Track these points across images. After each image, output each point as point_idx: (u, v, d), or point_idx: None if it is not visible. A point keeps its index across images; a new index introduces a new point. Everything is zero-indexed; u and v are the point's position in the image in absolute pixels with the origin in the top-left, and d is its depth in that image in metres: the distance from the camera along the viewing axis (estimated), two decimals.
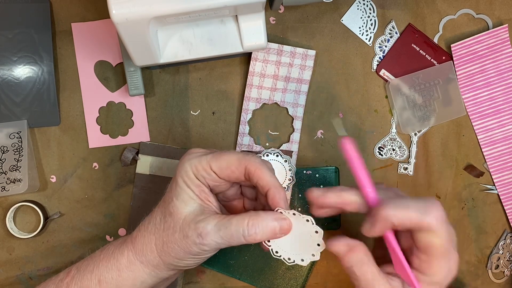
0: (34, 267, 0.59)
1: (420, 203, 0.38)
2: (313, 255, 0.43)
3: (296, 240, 0.42)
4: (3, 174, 0.57)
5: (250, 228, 0.40)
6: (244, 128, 0.59)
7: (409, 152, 0.60)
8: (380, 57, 0.60)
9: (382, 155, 0.60)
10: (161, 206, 0.43)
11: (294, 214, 0.42)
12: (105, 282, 0.43)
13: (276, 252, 0.43)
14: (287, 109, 0.59)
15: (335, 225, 0.58)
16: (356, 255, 0.40)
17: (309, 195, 0.43)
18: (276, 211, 0.42)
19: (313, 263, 0.58)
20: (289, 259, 0.43)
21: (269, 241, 0.43)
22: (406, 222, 0.38)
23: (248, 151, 0.43)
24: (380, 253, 0.44)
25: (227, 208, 0.48)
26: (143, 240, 0.43)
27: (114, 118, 0.59)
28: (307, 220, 0.41)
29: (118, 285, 0.43)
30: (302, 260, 0.43)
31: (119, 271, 0.43)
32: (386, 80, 0.60)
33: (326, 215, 0.44)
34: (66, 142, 0.59)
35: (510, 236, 0.61)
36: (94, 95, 0.59)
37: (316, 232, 0.42)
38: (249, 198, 0.47)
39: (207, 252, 0.42)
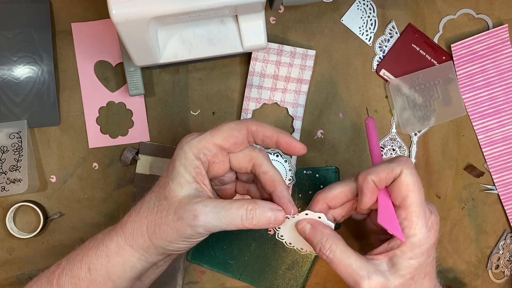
0: (34, 267, 0.59)
1: (388, 160, 0.43)
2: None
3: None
4: (3, 174, 0.57)
5: (249, 213, 0.41)
6: None
7: (409, 152, 0.60)
8: (380, 57, 0.60)
9: (382, 155, 0.60)
10: (155, 191, 0.44)
11: (306, 214, 0.44)
12: (94, 270, 0.43)
13: (290, 243, 0.47)
14: (287, 109, 0.59)
15: (336, 225, 0.58)
16: (319, 233, 0.42)
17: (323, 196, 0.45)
18: (291, 215, 0.43)
19: (313, 264, 0.58)
20: (301, 248, 0.46)
21: (282, 236, 0.46)
22: (382, 176, 0.41)
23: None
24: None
25: (219, 193, 0.48)
26: (134, 225, 0.43)
27: (114, 118, 0.59)
28: (319, 217, 0.44)
29: (107, 271, 0.43)
30: (302, 248, 0.46)
31: (108, 257, 0.43)
32: (386, 80, 0.60)
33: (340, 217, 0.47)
34: (66, 142, 0.59)
35: (510, 236, 0.61)
36: (94, 95, 0.59)
37: None
38: (244, 181, 0.48)
39: (200, 235, 0.42)
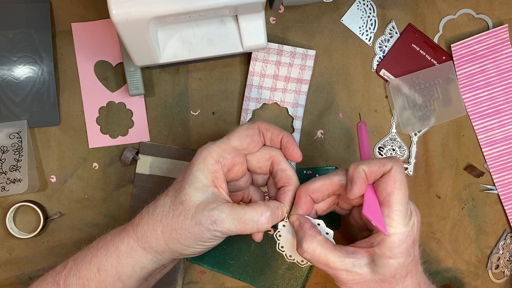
0: (34, 267, 0.59)
1: (383, 157, 0.44)
2: None
3: None
4: (3, 174, 0.57)
5: (263, 218, 0.43)
6: None
7: (409, 152, 0.60)
8: (380, 57, 0.60)
9: (382, 155, 0.60)
10: (169, 195, 0.44)
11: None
12: (104, 270, 0.44)
13: (290, 256, 0.47)
14: (287, 109, 0.59)
15: (337, 224, 0.59)
16: (302, 231, 0.43)
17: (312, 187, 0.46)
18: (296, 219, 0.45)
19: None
20: (302, 261, 0.47)
21: (282, 247, 0.47)
22: (374, 168, 0.42)
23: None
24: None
25: (232, 198, 0.49)
26: (147, 227, 0.43)
27: (114, 118, 0.59)
28: (318, 224, 0.45)
29: (117, 271, 0.44)
30: (302, 261, 0.47)
31: (118, 258, 0.44)
32: (386, 80, 0.60)
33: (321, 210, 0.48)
34: (66, 142, 0.59)
35: (510, 236, 0.61)
36: (94, 95, 0.59)
37: (327, 233, 0.45)
38: (259, 184, 0.50)
39: (217, 239, 0.43)
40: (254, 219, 0.43)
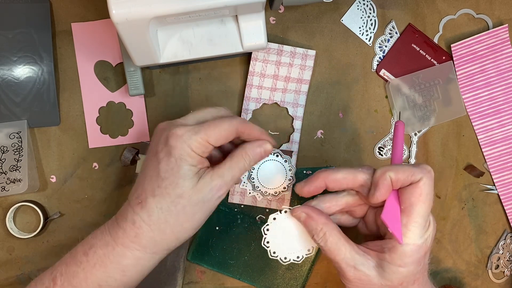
0: (34, 267, 0.59)
1: (413, 163, 0.43)
2: (309, 250, 0.47)
3: (293, 239, 0.46)
4: (3, 174, 0.57)
5: (245, 159, 0.45)
6: None
7: (409, 152, 0.60)
8: (380, 57, 0.60)
9: (382, 155, 0.60)
10: (159, 194, 0.42)
11: (286, 211, 0.46)
12: (107, 286, 0.43)
13: (274, 252, 0.47)
14: (287, 109, 0.59)
15: None
16: (314, 222, 0.44)
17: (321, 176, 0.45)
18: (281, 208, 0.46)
19: (313, 264, 0.58)
20: (285, 258, 0.47)
21: (268, 242, 0.47)
22: (401, 176, 0.41)
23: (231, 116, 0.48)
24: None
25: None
26: (153, 234, 0.42)
27: (114, 118, 0.59)
28: None
29: (123, 282, 0.43)
30: (298, 257, 0.47)
31: (123, 272, 0.43)
32: (386, 80, 0.60)
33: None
34: (66, 142, 0.59)
35: (510, 236, 0.61)
36: (94, 95, 0.59)
37: None
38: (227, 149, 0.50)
39: (222, 197, 0.44)
40: (242, 164, 0.44)
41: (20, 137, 0.57)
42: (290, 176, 0.56)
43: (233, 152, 0.45)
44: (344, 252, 0.42)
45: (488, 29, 0.60)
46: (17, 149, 0.57)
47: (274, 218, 0.46)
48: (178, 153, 0.42)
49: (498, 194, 0.60)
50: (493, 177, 0.60)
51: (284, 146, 0.59)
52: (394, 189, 0.42)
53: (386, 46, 0.60)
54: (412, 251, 0.41)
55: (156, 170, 0.43)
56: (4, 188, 0.57)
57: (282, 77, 0.58)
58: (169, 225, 0.42)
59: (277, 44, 0.57)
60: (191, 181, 0.42)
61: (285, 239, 0.46)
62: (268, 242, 0.47)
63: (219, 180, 0.43)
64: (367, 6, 0.59)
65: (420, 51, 0.59)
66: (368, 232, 0.48)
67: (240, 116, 0.58)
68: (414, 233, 0.41)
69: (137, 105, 0.59)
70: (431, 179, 0.41)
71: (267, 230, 0.47)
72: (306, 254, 0.47)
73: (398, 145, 0.46)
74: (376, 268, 0.42)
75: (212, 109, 0.46)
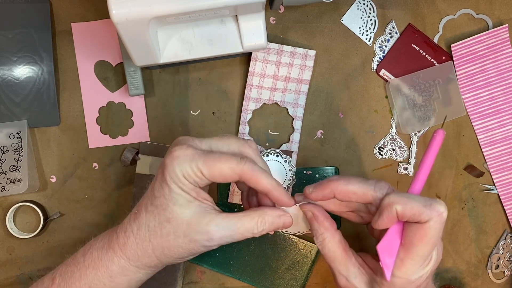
0: (34, 267, 0.59)
1: (427, 198, 0.39)
2: (309, 229, 0.46)
3: (298, 217, 0.47)
4: (3, 174, 0.57)
5: (260, 225, 0.42)
6: (244, 128, 0.59)
7: (409, 152, 0.60)
8: (380, 57, 0.60)
9: (382, 155, 0.60)
10: (150, 211, 0.41)
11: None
12: None
13: None
14: (287, 109, 0.59)
15: (337, 224, 0.58)
16: (317, 225, 0.43)
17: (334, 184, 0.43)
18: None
19: (313, 264, 0.58)
20: (286, 230, 0.48)
21: None
22: (408, 214, 0.38)
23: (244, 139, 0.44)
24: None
25: None
26: (136, 247, 0.42)
27: (114, 118, 0.59)
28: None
29: None
30: (299, 231, 0.48)
31: (111, 278, 0.43)
32: (386, 80, 0.60)
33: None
34: (66, 142, 0.59)
35: (510, 236, 0.61)
36: (94, 95, 0.59)
37: None
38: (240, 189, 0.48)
39: (212, 248, 0.42)
40: (252, 231, 0.41)
41: (20, 137, 0.57)
42: (290, 176, 0.56)
43: (250, 210, 0.42)
44: (340, 261, 0.42)
45: (488, 29, 0.60)
46: (17, 149, 0.57)
47: None
48: (169, 174, 0.40)
49: (498, 194, 0.60)
50: (493, 177, 0.60)
51: (284, 146, 0.59)
52: (399, 220, 0.40)
53: (386, 46, 0.60)
54: (402, 284, 0.39)
55: (153, 185, 0.42)
56: (4, 188, 0.57)
57: (282, 77, 0.58)
58: (151, 245, 0.41)
59: (277, 44, 0.57)
60: (182, 210, 0.40)
61: (290, 213, 0.45)
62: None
63: (218, 230, 0.40)
64: (367, 6, 0.59)
65: (420, 51, 0.59)
66: (373, 235, 0.48)
67: (240, 116, 0.58)
68: (409, 269, 0.39)
69: (137, 105, 0.59)
70: (441, 223, 0.38)
71: None
72: (307, 231, 0.48)
73: (424, 168, 0.42)
74: (368, 285, 0.42)
75: (236, 142, 0.42)
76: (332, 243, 0.43)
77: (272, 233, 0.58)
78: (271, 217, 0.42)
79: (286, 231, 0.48)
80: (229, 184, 0.58)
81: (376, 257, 0.44)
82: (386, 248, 0.39)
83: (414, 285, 0.40)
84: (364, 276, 0.42)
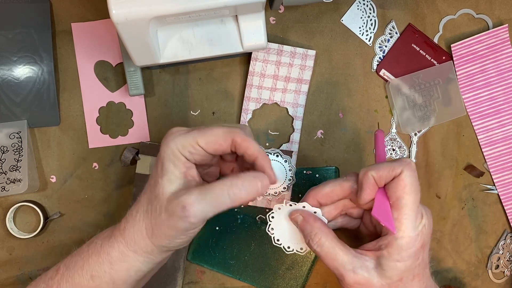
0: (34, 267, 0.59)
1: (392, 160, 0.43)
2: None
3: (297, 231, 0.45)
4: (3, 174, 0.57)
5: (234, 188, 0.41)
6: None
7: (409, 152, 0.60)
8: (380, 57, 0.60)
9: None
10: (147, 192, 0.43)
11: (304, 206, 0.45)
12: (98, 277, 0.43)
13: (278, 240, 0.47)
14: (287, 109, 0.59)
15: None
16: (309, 227, 0.43)
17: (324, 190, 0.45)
18: (286, 204, 0.45)
19: (313, 264, 0.58)
20: (288, 247, 0.47)
21: (272, 228, 0.46)
22: (383, 173, 0.42)
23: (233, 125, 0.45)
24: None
25: (205, 178, 0.47)
26: (133, 230, 0.43)
27: (114, 118, 0.59)
28: (315, 212, 0.45)
29: (112, 277, 0.43)
30: (301, 249, 0.46)
31: (111, 264, 0.43)
32: (386, 80, 0.60)
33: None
34: (66, 142, 0.59)
35: (510, 236, 0.61)
36: (94, 95, 0.59)
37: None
38: (228, 160, 0.48)
39: (194, 225, 0.41)
40: (226, 193, 0.40)
41: (20, 137, 0.57)
42: (290, 176, 0.56)
43: (227, 176, 0.43)
44: (342, 256, 0.42)
45: (488, 29, 0.60)
46: (17, 149, 0.57)
47: (279, 208, 0.46)
48: (164, 151, 0.41)
49: (498, 194, 0.60)
50: (493, 177, 0.60)
51: (284, 146, 0.59)
52: (380, 186, 0.43)
53: (386, 46, 0.60)
54: (407, 243, 0.41)
55: (153, 168, 0.44)
56: (4, 188, 0.57)
57: (282, 77, 0.58)
58: (144, 224, 0.42)
59: (277, 44, 0.57)
60: (168, 185, 0.41)
61: (290, 229, 0.46)
62: (272, 229, 0.46)
63: (189, 198, 0.39)
64: (367, 6, 0.59)
65: (420, 51, 0.59)
66: (368, 233, 0.48)
67: (240, 116, 0.58)
68: (407, 225, 0.41)
69: (137, 105, 0.59)
70: (412, 170, 0.41)
71: (272, 217, 0.46)
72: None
73: (379, 151, 0.47)
74: (375, 269, 0.42)
75: (228, 124, 0.44)
76: (329, 240, 0.43)
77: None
78: (245, 178, 0.41)
79: (288, 248, 0.47)
80: None
81: (377, 238, 0.45)
82: (380, 211, 0.41)
83: (417, 243, 0.41)
84: (369, 262, 0.42)
